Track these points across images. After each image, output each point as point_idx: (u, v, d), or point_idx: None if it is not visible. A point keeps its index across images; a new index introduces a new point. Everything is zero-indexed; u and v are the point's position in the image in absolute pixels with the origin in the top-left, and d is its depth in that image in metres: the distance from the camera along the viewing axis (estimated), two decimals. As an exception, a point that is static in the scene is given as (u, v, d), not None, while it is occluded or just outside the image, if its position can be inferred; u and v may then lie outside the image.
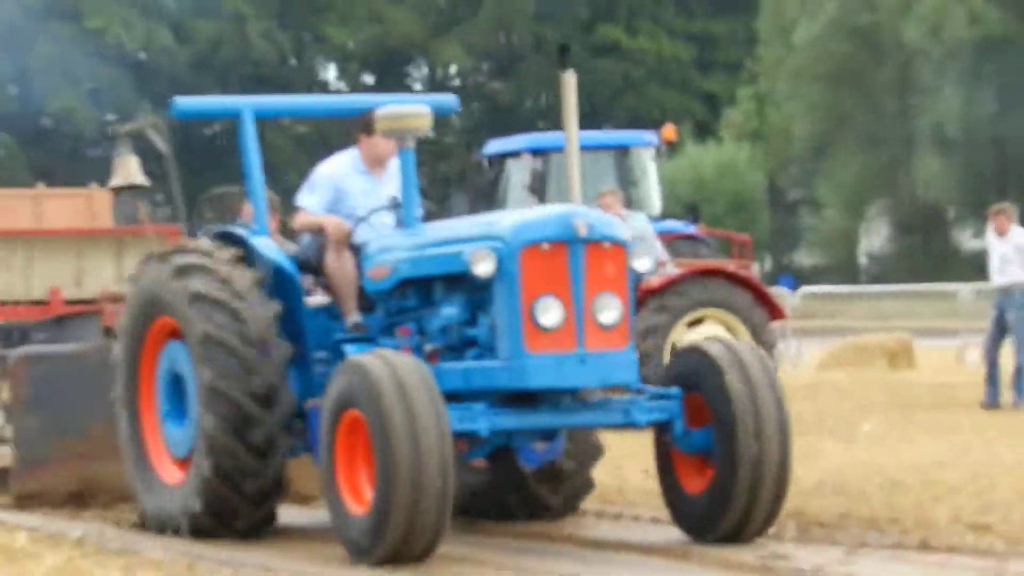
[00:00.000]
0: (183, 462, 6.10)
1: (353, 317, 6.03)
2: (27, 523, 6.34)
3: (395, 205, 6.11)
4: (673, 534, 5.55)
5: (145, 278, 6.29)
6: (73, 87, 42.57)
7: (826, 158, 39.09)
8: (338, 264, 6.04)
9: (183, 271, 5.87)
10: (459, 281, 5.45)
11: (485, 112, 49.41)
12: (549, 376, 5.12)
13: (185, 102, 6.84)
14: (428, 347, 5.56)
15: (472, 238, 5.38)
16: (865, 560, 4.82)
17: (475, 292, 5.40)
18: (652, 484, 6.05)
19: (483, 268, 5.09)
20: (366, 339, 5.94)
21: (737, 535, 5.23)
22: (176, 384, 6.19)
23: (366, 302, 6.08)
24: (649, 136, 11.03)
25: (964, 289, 23.98)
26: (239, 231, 6.46)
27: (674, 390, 5.42)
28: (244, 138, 6.45)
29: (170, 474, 6.21)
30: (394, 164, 6.17)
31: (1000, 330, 12.30)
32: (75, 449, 7.11)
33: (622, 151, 10.76)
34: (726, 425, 5.17)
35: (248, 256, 6.10)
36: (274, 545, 5.75)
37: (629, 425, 5.39)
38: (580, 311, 5.10)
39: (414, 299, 5.81)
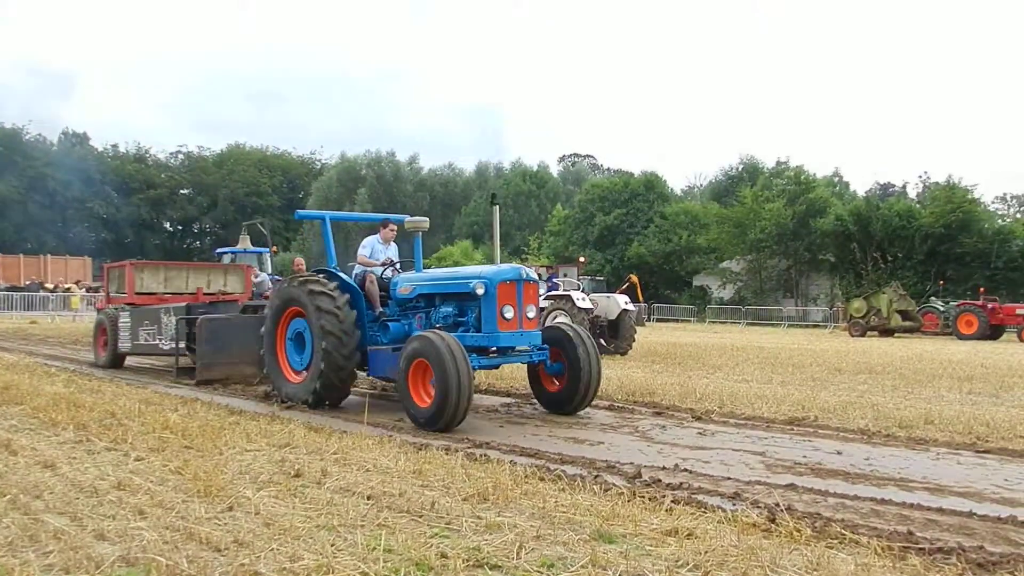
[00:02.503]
0: (299, 373, 11.78)
1: (378, 309, 11.83)
2: (201, 396, 12.38)
3: (391, 264, 12.40)
4: (540, 411, 11.37)
5: (285, 288, 12.05)
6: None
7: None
8: (372, 287, 11.87)
9: (305, 283, 11.58)
10: (459, 296, 10.91)
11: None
12: (507, 341, 10.47)
13: (301, 212, 13.93)
14: (438, 326, 10.88)
15: (472, 276, 10.76)
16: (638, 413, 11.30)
17: (468, 301, 10.81)
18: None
19: (480, 291, 10.43)
20: (395, 319, 11.64)
21: (575, 410, 10.98)
22: (297, 337, 11.93)
23: (385, 302, 11.91)
24: None
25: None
26: (330, 269, 12.04)
27: (545, 346, 10.99)
28: (325, 231, 12.49)
29: (292, 378, 11.86)
30: (392, 245, 12.76)
31: None
32: (224, 360, 14.15)
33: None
34: (574, 360, 10.84)
35: (334, 278, 11.74)
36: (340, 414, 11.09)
37: (532, 361, 10.95)
38: (520, 312, 10.55)
39: (423, 303, 11.50)
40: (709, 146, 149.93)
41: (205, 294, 18.08)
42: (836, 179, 75.31)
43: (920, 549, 5.09)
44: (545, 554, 4.81)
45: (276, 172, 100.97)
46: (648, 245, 62.03)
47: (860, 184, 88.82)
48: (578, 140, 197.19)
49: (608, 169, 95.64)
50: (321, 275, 11.82)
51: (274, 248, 30.40)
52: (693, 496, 6.45)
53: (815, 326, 49.06)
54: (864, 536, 5.27)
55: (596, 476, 7.10)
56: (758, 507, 6.02)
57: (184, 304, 16.00)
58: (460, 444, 8.65)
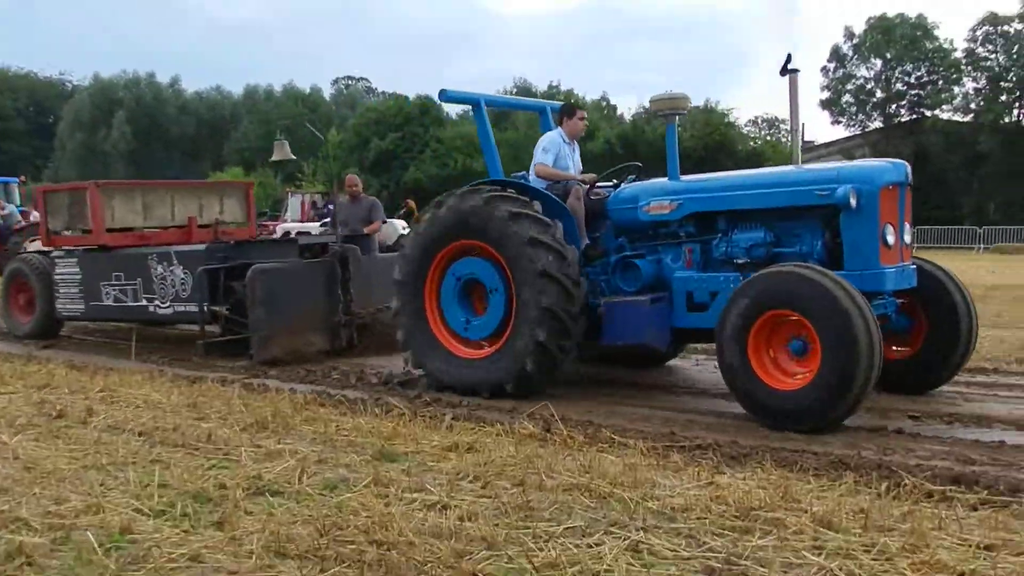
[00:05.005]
0: (478, 344, 7.65)
1: (584, 240, 7.65)
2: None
3: (635, 170, 8.16)
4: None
5: (447, 210, 7.62)
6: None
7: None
8: (579, 205, 7.68)
9: (492, 198, 7.37)
10: (782, 212, 6.90)
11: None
12: (892, 282, 6.63)
13: (449, 91, 8.21)
14: (740, 262, 6.98)
15: (826, 179, 6.67)
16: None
17: (800, 219, 6.87)
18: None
19: (853, 201, 6.40)
20: (639, 256, 7.50)
21: (935, 385, 7.19)
22: (467, 289, 7.73)
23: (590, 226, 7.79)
24: None
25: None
26: (516, 181, 7.96)
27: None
28: (481, 121, 8.29)
29: (465, 353, 7.66)
30: (576, 145, 8.46)
31: None
32: (285, 328, 9.55)
33: None
34: (945, 311, 7.01)
35: (525, 193, 7.60)
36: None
37: (884, 312, 6.69)
38: (901, 235, 6.73)
39: (693, 227, 7.32)
40: (486, 71, 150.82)
41: (200, 227, 12.62)
42: (604, 103, 77.83)
43: (681, 447, 5.50)
44: (328, 477, 4.82)
45: (21, 94, 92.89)
46: (425, 170, 61.95)
47: (626, 108, 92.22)
48: (351, 63, 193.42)
49: (383, 92, 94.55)
50: (508, 188, 7.69)
51: (23, 177, 27.97)
52: (473, 412, 6.65)
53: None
54: (632, 439, 5.60)
55: (377, 399, 7.15)
56: (534, 419, 6.25)
57: (202, 246, 11.04)
58: (237, 375, 8.48)
